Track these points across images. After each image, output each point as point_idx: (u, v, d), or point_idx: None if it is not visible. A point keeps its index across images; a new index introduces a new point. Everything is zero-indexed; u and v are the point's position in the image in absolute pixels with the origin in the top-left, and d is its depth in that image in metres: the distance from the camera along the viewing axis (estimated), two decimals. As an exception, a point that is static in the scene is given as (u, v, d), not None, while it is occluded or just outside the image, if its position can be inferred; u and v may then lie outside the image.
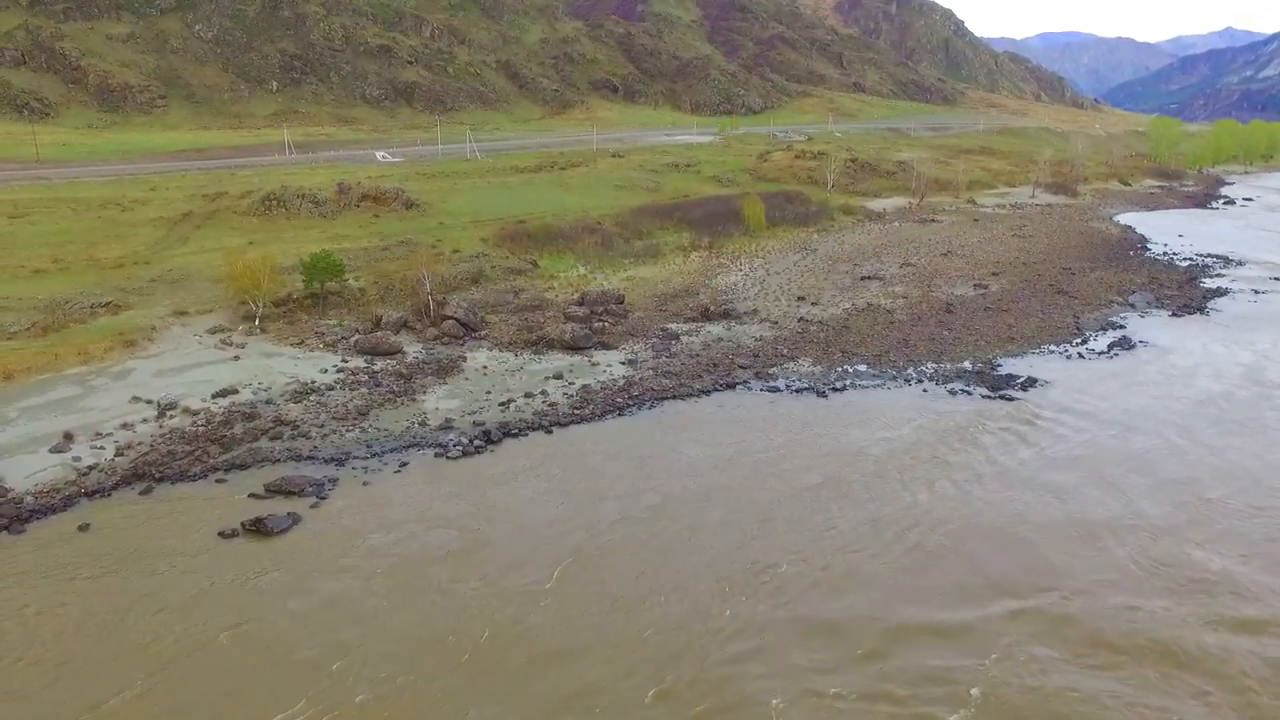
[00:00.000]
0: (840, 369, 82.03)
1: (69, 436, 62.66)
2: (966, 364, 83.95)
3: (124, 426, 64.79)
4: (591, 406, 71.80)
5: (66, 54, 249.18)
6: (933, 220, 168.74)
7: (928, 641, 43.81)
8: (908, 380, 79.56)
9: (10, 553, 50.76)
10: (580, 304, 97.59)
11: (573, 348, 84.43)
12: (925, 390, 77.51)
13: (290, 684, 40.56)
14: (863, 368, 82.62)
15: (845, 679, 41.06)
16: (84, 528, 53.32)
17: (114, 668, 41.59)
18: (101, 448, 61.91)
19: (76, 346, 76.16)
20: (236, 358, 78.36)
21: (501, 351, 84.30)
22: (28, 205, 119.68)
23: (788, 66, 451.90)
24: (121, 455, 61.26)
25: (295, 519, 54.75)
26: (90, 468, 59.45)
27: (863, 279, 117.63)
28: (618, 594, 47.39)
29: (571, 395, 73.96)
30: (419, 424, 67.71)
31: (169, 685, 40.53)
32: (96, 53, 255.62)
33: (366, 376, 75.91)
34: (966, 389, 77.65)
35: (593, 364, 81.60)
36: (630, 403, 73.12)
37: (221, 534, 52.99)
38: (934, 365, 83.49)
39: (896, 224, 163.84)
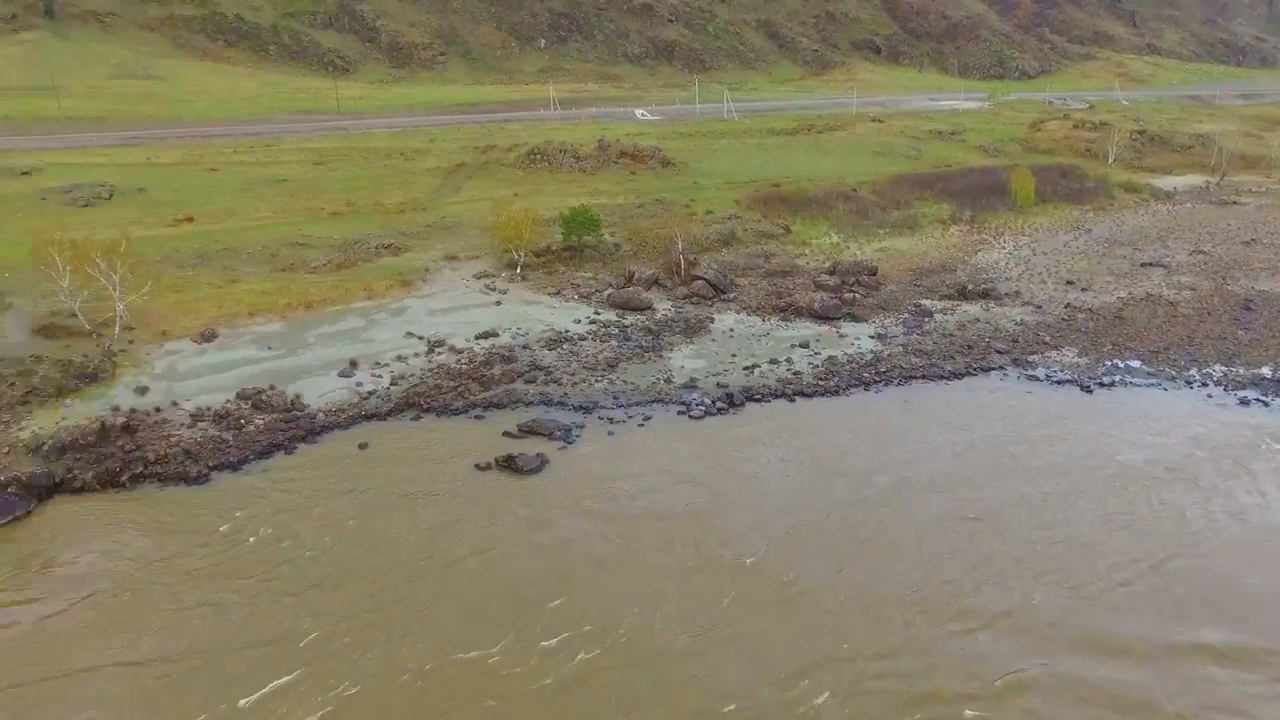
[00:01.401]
0: (1109, 363, 75.38)
1: (354, 364, 69.61)
2: (1266, 370, 74.48)
3: (399, 359, 71.03)
4: (836, 379, 70.47)
5: (365, 16, 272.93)
6: (1235, 202, 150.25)
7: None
8: (1189, 383, 71.70)
9: (306, 459, 58.10)
10: (831, 273, 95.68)
11: (821, 317, 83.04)
12: (1210, 396, 69.49)
13: (517, 613, 43.34)
14: (1136, 364, 75.43)
15: None
16: (363, 446, 59.37)
17: (377, 574, 46.29)
18: (380, 376, 68.29)
19: (363, 283, 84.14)
20: (499, 303, 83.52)
21: (749, 315, 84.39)
22: (329, 154, 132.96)
23: (1069, 26, 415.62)
24: (396, 385, 67.30)
25: (543, 460, 57.90)
26: (370, 393, 65.84)
27: (1143, 265, 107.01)
28: (808, 585, 45.95)
29: (817, 365, 72.90)
30: (664, 380, 69.32)
31: (418, 598, 44.67)
32: (389, 14, 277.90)
33: (617, 330, 78.55)
34: (1263, 399, 68.96)
35: (840, 335, 79.93)
36: (877, 379, 71.07)
37: (477, 466, 57.13)
38: (1223, 369, 74.64)
39: (1189, 205, 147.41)
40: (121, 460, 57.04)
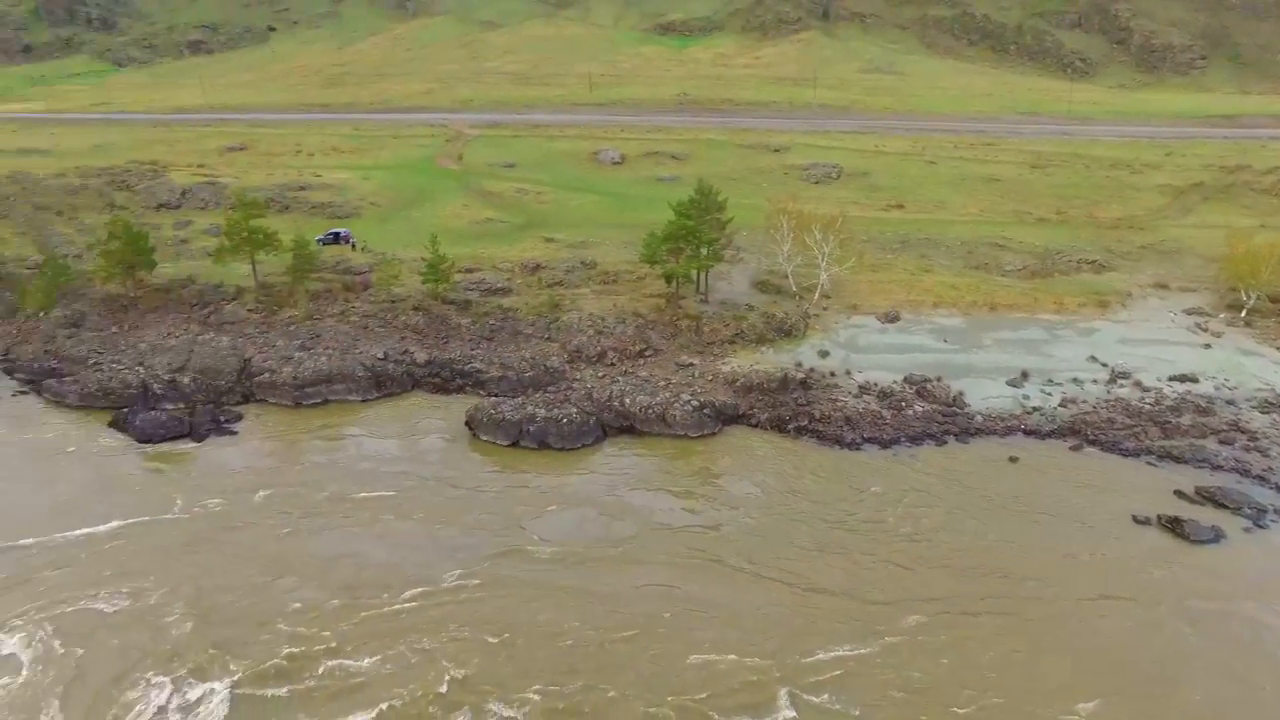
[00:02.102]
0: None
1: (1025, 375, 66.72)
2: None
3: (1074, 381, 66.10)
4: None
5: (1118, 15, 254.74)
6: None
7: None
8: None
9: (953, 455, 58.21)
10: None
11: None
12: None
13: (1127, 686, 37.56)
14: None
15: None
16: (1013, 459, 57.02)
17: (991, 579, 44.37)
18: (1049, 394, 64.45)
19: (1055, 296, 79.83)
20: (1207, 345, 72.35)
21: None
22: (1048, 158, 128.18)
23: None
24: (1064, 407, 62.89)
25: (1218, 534, 49.20)
26: (1034, 409, 62.63)
27: None
28: None
29: None
30: None
31: (1027, 619, 42.03)
32: (1147, 13, 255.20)
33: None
34: None
35: None
36: None
37: (1135, 518, 50.96)
38: None
39: None
40: (792, 410, 63.41)
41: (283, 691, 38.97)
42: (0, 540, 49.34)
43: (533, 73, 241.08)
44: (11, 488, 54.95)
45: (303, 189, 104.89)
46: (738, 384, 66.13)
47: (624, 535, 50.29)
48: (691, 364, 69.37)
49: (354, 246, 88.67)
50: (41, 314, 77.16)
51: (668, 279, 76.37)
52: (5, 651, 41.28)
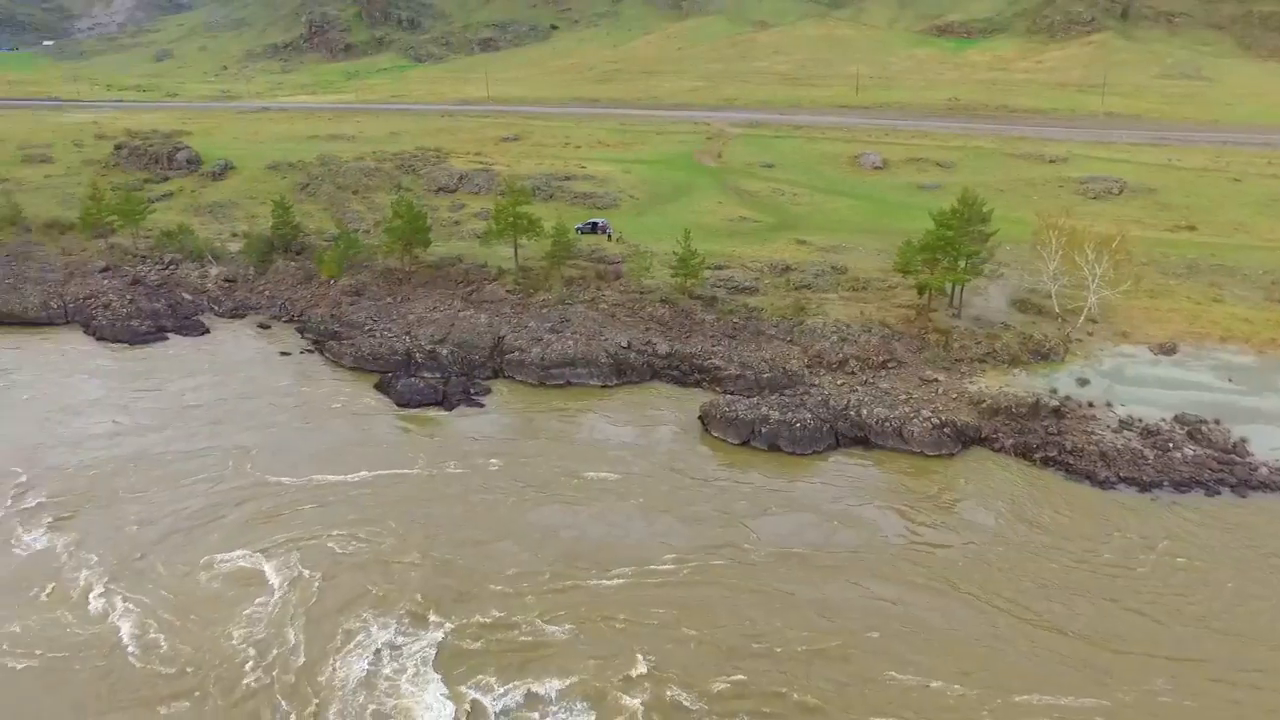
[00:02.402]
0: None
1: (1327, 426, 58.88)
2: None
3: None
4: None
5: None
6: None
7: None
8: None
9: (1226, 507, 52.54)
10: None
11: None
12: None
13: None
14: None
15: None
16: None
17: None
18: (1356, 451, 56.49)
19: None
20: None
21: None
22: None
23: None
24: (1373, 468, 54.90)
25: None
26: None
27: None
28: None
29: None
30: None
31: None
32: None
33: None
34: None
35: None
36: None
37: None
38: None
39: None
40: (1040, 438, 59.68)
41: (480, 647, 41.84)
42: (269, 476, 56.46)
43: (800, 73, 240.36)
44: (284, 433, 62.60)
45: (567, 179, 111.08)
46: (983, 405, 63.11)
47: (845, 544, 49.73)
48: (936, 380, 66.96)
49: (610, 237, 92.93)
50: (332, 281, 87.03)
51: (920, 290, 74.01)
52: (264, 571, 47.34)
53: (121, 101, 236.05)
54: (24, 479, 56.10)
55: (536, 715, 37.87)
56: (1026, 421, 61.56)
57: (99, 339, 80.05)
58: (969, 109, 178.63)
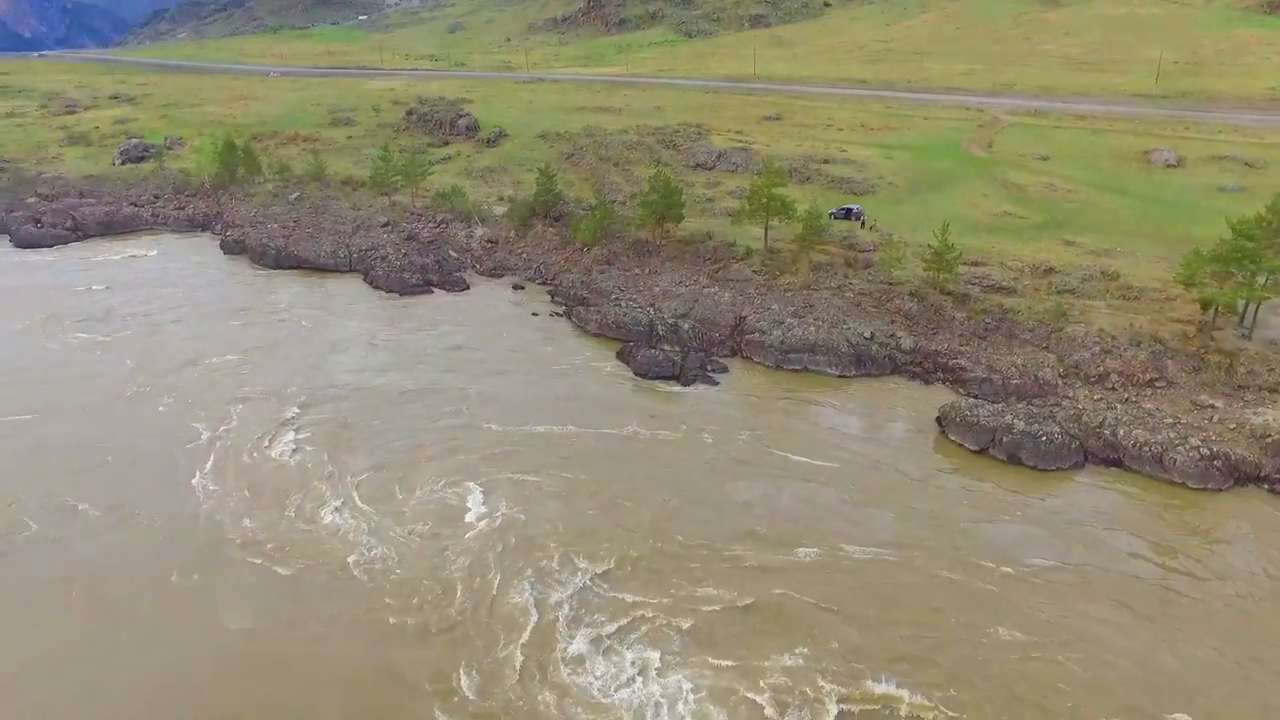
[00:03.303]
0: None
1: None
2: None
3: None
4: None
5: None
6: None
7: None
8: None
9: None
10: None
11: None
12: None
13: None
14: None
15: None
16: None
17: None
18: None
19: None
20: None
21: None
22: None
23: None
24: None
25: None
26: None
27: None
28: None
29: None
30: None
31: None
32: None
33: None
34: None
35: None
36: None
37: None
38: None
39: None
40: (1336, 488, 52.42)
41: (633, 599, 43.61)
42: (499, 425, 60.52)
43: (1090, 57, 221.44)
44: (523, 386, 66.71)
45: (825, 162, 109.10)
46: (1269, 440, 56.20)
47: (1076, 563, 46.37)
48: (1212, 406, 60.33)
49: (863, 224, 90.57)
50: (585, 248, 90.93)
51: (1204, 305, 66.60)
52: (480, 501, 51.91)
53: (417, 70, 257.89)
54: (292, 398, 64.34)
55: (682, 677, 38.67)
56: (1319, 465, 54.31)
57: (374, 287, 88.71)
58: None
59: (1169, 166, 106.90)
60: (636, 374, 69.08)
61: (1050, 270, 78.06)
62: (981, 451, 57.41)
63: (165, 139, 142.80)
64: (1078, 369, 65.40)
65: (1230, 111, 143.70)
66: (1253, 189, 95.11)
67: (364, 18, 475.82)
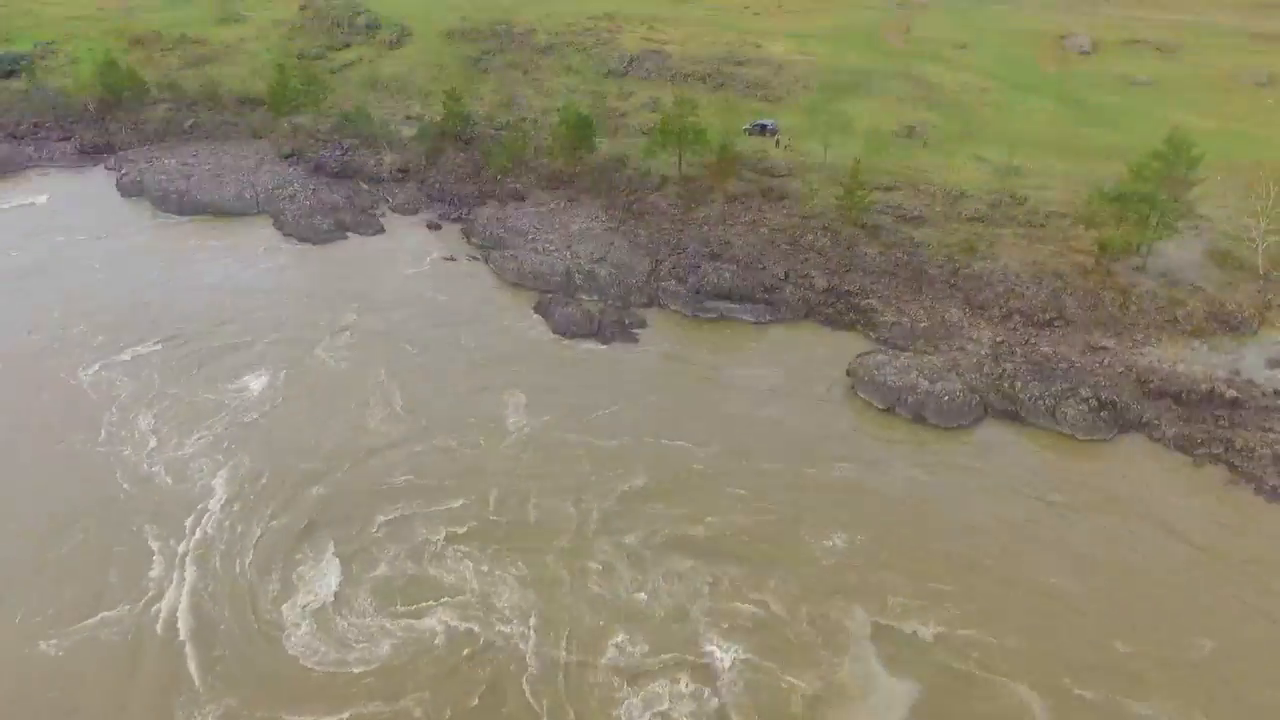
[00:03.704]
0: None
1: None
2: None
3: None
4: None
5: None
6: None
7: None
8: None
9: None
10: None
11: None
12: None
13: None
14: None
15: None
16: None
17: None
18: None
19: None
20: None
21: None
22: None
23: None
24: None
25: None
26: None
27: None
28: None
29: None
30: None
31: None
32: None
33: None
34: None
35: None
36: None
37: None
38: None
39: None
40: (1206, 433, 56.20)
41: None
42: (404, 424, 60.85)
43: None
44: (439, 358, 66.39)
45: (739, 64, 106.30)
46: (1151, 385, 59.79)
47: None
48: (1104, 347, 63.60)
49: (778, 142, 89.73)
50: (499, 176, 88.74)
51: (1102, 247, 68.56)
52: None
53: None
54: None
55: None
56: (1195, 409, 58.13)
57: (286, 234, 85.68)
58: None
59: (1082, 53, 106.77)
60: (555, 332, 69.56)
61: (961, 195, 79.13)
62: (889, 410, 60.04)
63: (35, 45, 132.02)
64: (983, 310, 67.78)
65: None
66: (1162, 83, 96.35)
67: None
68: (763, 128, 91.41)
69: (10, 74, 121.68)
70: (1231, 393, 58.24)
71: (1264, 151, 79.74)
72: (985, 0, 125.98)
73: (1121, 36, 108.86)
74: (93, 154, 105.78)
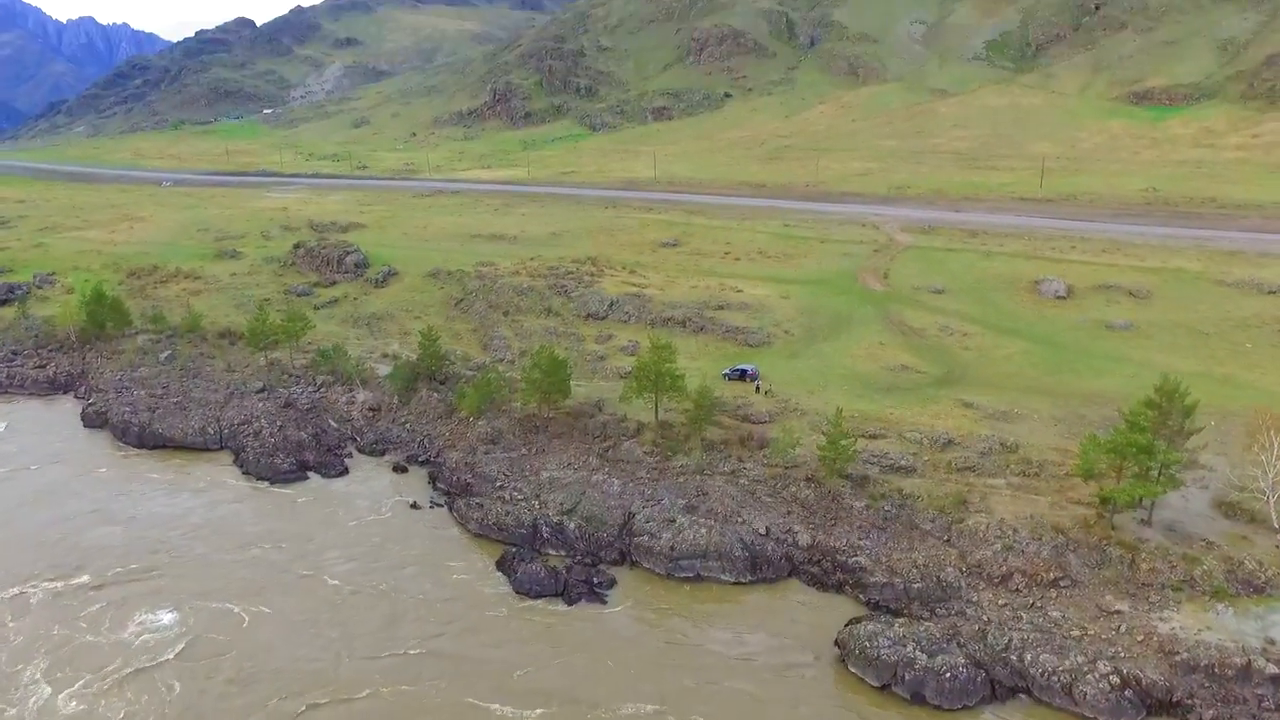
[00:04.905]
0: None
1: None
2: None
3: None
4: None
5: None
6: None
7: None
8: None
9: None
10: None
11: None
12: None
13: None
14: None
15: None
16: None
17: None
18: None
19: None
20: None
21: None
22: None
23: None
24: None
25: None
26: None
27: None
28: None
29: None
30: None
31: None
32: None
33: None
34: None
35: None
36: None
37: None
38: None
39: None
40: (1251, 717, 49.80)
41: None
42: (368, 650, 54.30)
43: (980, 151, 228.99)
44: (398, 602, 61.60)
45: (720, 308, 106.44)
46: (1177, 657, 53.71)
47: None
48: (1119, 612, 57.90)
49: (759, 389, 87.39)
50: (470, 418, 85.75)
51: (1104, 501, 64.23)
52: None
53: (317, 176, 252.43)
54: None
55: None
56: (1233, 687, 51.84)
57: (245, 472, 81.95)
58: (1169, 203, 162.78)
59: (1058, 298, 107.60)
60: (518, 591, 63.82)
61: (950, 443, 75.83)
62: (884, 688, 53.60)
63: (34, 277, 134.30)
64: (981, 569, 62.55)
65: (1110, 220, 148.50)
66: (1140, 327, 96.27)
67: (269, 112, 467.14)
68: (742, 373, 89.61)
69: (3, 303, 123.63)
70: (1272, 668, 52.15)
71: (1252, 397, 77.71)
72: (957, 249, 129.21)
73: (1094, 281, 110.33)
74: (65, 383, 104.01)
